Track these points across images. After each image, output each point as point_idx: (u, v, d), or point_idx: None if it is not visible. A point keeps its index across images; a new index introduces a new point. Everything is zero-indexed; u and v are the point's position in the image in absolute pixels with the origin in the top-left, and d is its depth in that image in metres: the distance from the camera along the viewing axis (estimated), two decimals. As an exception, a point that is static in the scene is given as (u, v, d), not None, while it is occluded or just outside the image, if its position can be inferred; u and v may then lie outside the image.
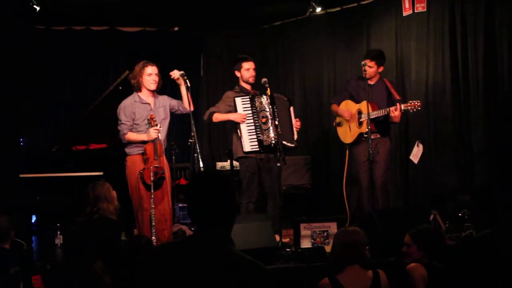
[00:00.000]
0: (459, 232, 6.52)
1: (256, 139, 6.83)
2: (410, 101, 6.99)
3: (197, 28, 10.45)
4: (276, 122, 6.66)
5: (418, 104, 6.90)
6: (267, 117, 6.79)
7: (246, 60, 7.16)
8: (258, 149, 6.83)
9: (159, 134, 6.59)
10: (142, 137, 6.63)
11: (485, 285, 4.69)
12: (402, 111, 6.96)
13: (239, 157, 7.14)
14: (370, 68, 7.24)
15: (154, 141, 6.56)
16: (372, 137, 7.02)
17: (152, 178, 6.43)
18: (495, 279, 4.73)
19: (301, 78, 10.23)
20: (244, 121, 6.87)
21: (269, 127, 6.77)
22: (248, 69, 7.11)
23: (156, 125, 6.58)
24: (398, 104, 7.00)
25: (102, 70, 10.03)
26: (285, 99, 7.15)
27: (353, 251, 4.34)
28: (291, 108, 7.15)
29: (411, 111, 6.98)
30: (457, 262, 4.83)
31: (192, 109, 6.80)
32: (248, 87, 7.18)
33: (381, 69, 7.36)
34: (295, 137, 7.07)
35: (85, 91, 9.82)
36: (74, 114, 9.28)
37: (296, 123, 7.08)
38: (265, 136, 6.79)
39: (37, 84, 9.57)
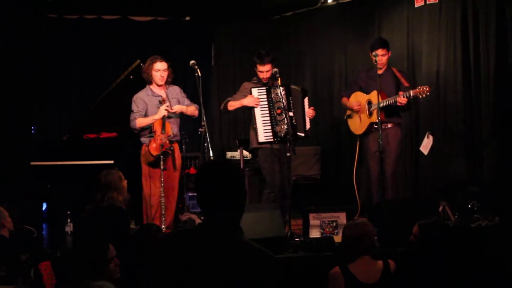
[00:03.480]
0: (468, 224, 6.50)
1: (270, 130, 6.85)
2: (419, 87, 6.95)
3: (209, 18, 10.43)
4: (291, 114, 6.68)
5: (427, 89, 6.84)
6: (282, 108, 6.79)
7: (261, 63, 7.05)
8: (272, 139, 6.85)
9: (169, 113, 6.78)
10: (153, 117, 6.78)
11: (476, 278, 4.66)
12: (411, 97, 6.92)
13: (254, 148, 7.19)
14: (384, 56, 7.23)
15: (163, 118, 6.70)
16: (383, 127, 7.01)
17: (156, 152, 6.62)
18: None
19: (312, 69, 10.19)
20: (257, 105, 6.90)
21: (283, 118, 6.77)
22: (261, 72, 7.07)
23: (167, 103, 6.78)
24: (401, 91, 7.00)
25: (113, 59, 10.02)
26: (299, 89, 7.16)
27: (363, 243, 4.39)
28: (306, 99, 7.17)
29: (420, 96, 6.91)
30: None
31: (196, 115, 7.08)
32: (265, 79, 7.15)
33: (389, 54, 7.35)
34: (308, 126, 7.11)
35: (96, 80, 9.82)
36: (85, 103, 9.29)
37: (310, 112, 7.11)
38: (279, 127, 6.81)
39: (49, 73, 9.58)
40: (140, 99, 6.91)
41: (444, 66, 8.19)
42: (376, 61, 7.12)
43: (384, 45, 7.30)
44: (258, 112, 6.94)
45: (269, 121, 6.91)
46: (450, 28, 8.13)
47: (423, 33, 8.50)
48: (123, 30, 10.09)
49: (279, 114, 6.85)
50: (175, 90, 7.15)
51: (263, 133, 6.92)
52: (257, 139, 6.96)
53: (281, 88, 6.84)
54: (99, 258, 4.02)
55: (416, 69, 8.56)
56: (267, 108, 6.92)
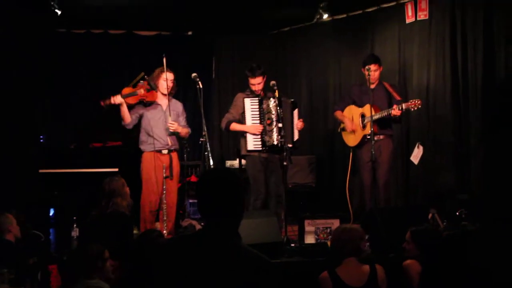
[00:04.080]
0: (456, 230, 6.49)
1: (260, 139, 6.85)
2: (411, 100, 6.98)
3: (210, 32, 10.45)
4: (280, 125, 6.67)
5: (419, 102, 6.88)
6: (272, 119, 6.80)
7: (252, 76, 7.02)
8: (260, 148, 6.85)
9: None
10: (124, 109, 6.92)
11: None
12: (403, 110, 6.94)
13: (243, 155, 7.24)
14: (376, 71, 7.26)
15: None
16: (376, 138, 7.03)
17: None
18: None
19: (308, 81, 10.21)
20: (259, 132, 6.87)
21: (273, 129, 6.79)
22: (253, 85, 7.05)
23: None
24: (395, 105, 7.01)
25: (118, 71, 10.01)
26: (289, 102, 7.13)
27: (349, 246, 4.42)
28: (296, 111, 7.13)
29: (412, 109, 6.97)
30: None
31: (186, 137, 7.21)
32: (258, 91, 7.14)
33: (381, 69, 7.38)
34: (296, 137, 7.07)
35: (102, 91, 9.77)
36: (92, 113, 9.28)
37: (298, 124, 7.06)
38: (267, 136, 6.82)
39: (58, 84, 9.60)
40: (140, 106, 7.01)
41: (433, 80, 8.21)
42: (369, 75, 7.16)
43: (376, 60, 7.34)
44: (249, 121, 6.93)
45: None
46: (439, 43, 8.15)
47: (414, 48, 8.51)
48: (128, 44, 10.10)
49: (269, 125, 6.85)
50: (178, 105, 7.21)
51: (252, 142, 6.92)
52: (246, 147, 6.96)
53: (272, 100, 6.84)
54: (94, 259, 4.06)
55: (407, 83, 8.56)
56: (258, 118, 6.91)
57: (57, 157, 7.76)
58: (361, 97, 7.42)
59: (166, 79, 6.92)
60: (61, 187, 7.54)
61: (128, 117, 6.88)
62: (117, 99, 6.83)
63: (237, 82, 10.30)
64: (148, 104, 6.99)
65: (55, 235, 7.51)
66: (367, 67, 7.21)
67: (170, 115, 6.94)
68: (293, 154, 7.13)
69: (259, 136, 6.87)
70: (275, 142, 6.77)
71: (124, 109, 6.84)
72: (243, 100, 6.98)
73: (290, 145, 6.89)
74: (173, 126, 6.92)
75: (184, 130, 7.12)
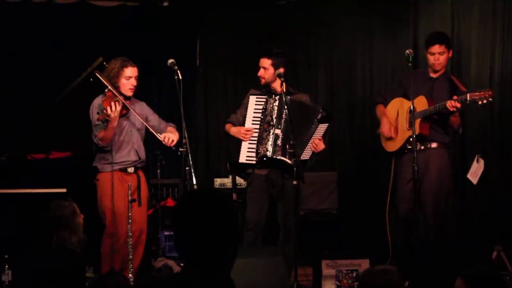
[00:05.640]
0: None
1: (254, 150, 6.87)
2: (479, 90, 6.77)
3: (193, 3, 10.45)
4: (278, 131, 6.67)
5: (490, 93, 6.67)
6: (270, 123, 6.80)
7: (260, 56, 7.10)
8: (254, 161, 6.87)
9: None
10: (111, 124, 6.76)
11: None
12: (468, 101, 6.71)
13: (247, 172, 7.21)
14: (442, 55, 7.19)
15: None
16: (428, 145, 7.00)
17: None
18: None
19: (327, 69, 10.16)
20: (246, 138, 6.88)
21: (268, 135, 6.78)
22: (259, 69, 7.09)
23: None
24: (455, 96, 6.80)
25: (68, 55, 10.01)
26: (317, 109, 7.02)
27: None
28: (324, 126, 6.95)
29: (480, 103, 6.69)
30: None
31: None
32: (276, 86, 7.11)
33: (450, 53, 7.34)
34: (305, 156, 6.92)
35: (46, 82, 9.79)
36: (30, 113, 9.28)
37: (315, 141, 6.90)
38: (262, 146, 6.81)
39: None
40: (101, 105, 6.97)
41: (499, 68, 8.24)
42: (432, 63, 7.11)
43: (442, 40, 7.25)
44: (248, 124, 6.98)
45: (256, 138, 6.95)
46: (508, 18, 8.17)
47: (472, 25, 8.53)
48: (82, 18, 10.06)
49: (265, 130, 6.85)
50: (143, 106, 7.28)
51: (246, 152, 6.96)
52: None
53: (277, 96, 6.86)
54: None
55: (463, 72, 8.58)
56: (259, 122, 6.94)
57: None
58: (415, 86, 7.00)
59: (129, 77, 6.97)
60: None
61: (108, 137, 6.87)
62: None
63: (230, 70, 10.30)
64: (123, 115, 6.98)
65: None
66: (429, 49, 7.18)
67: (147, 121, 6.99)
68: (308, 170, 7.09)
69: (254, 146, 6.88)
70: (269, 154, 6.78)
71: (113, 125, 6.81)
72: (249, 98, 7.06)
73: (286, 160, 6.81)
74: (171, 137, 6.97)
75: (176, 132, 7.14)
